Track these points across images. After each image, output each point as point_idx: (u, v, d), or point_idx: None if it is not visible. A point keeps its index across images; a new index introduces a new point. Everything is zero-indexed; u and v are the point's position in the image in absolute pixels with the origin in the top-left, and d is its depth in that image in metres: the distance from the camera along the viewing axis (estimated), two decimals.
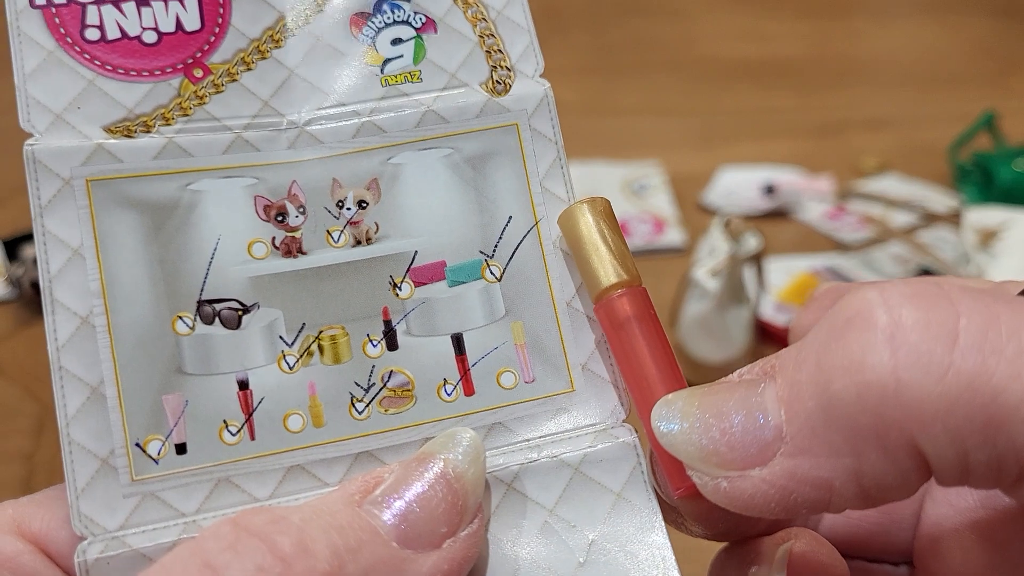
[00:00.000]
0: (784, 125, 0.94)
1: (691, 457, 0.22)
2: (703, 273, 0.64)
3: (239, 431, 0.24)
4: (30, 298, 0.57)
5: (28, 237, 0.71)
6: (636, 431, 0.26)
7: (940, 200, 0.82)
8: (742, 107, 0.91)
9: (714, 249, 0.64)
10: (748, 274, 0.64)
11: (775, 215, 0.83)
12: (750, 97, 0.91)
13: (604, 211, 0.26)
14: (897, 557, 0.29)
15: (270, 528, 0.20)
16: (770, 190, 0.84)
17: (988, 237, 0.72)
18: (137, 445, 0.24)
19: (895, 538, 0.28)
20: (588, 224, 0.26)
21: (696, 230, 0.77)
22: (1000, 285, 0.23)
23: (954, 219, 0.74)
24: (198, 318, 0.25)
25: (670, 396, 0.23)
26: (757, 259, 0.64)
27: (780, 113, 0.95)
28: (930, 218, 0.76)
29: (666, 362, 0.25)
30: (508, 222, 0.27)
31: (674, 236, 0.80)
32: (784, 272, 0.73)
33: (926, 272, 0.71)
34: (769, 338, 0.67)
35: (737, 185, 0.86)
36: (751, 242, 0.64)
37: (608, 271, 0.25)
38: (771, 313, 0.69)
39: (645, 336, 0.25)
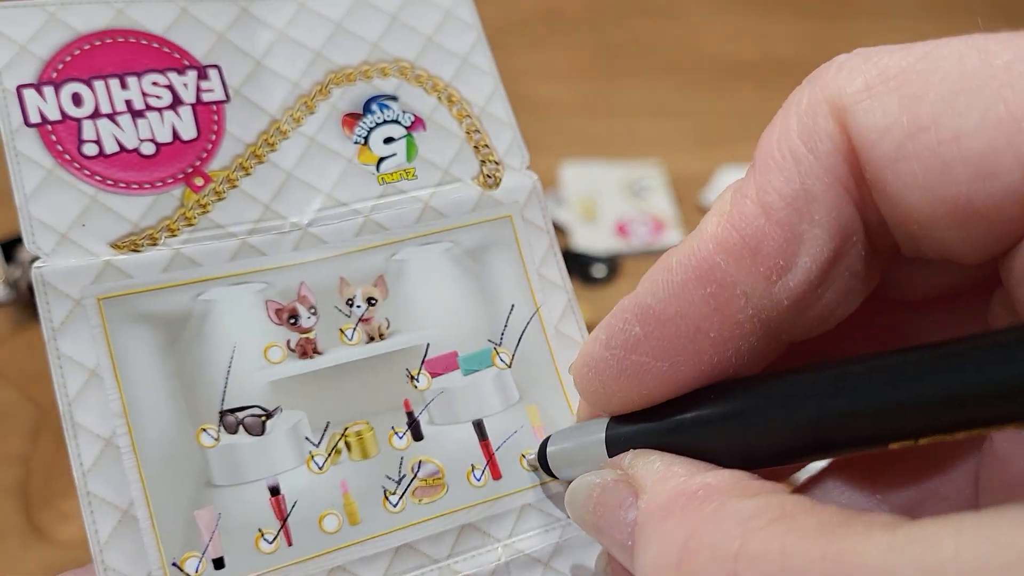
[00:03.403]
0: None
1: None
2: None
3: (275, 538, 0.24)
4: (27, 300, 0.55)
5: None
6: None
7: None
8: (742, 108, 0.91)
9: None
10: None
11: None
12: (750, 98, 0.92)
13: None
14: None
15: None
16: None
17: None
18: (174, 564, 0.23)
19: None
20: None
21: None
22: None
23: None
24: (222, 428, 0.24)
25: None
26: None
27: None
28: None
29: None
30: (511, 310, 0.28)
31: (674, 237, 0.80)
32: None
33: None
34: None
35: None
36: None
37: None
38: None
39: None
